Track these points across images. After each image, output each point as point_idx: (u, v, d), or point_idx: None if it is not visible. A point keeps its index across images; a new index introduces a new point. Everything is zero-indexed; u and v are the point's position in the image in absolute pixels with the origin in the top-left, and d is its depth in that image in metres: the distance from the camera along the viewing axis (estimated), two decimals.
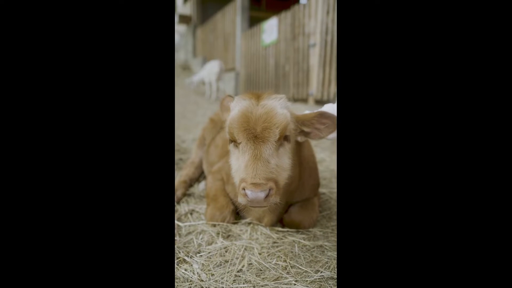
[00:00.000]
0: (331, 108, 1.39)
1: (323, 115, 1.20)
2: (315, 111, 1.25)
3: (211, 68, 6.82)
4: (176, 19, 11.99)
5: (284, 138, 1.11)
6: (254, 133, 1.07)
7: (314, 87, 4.79)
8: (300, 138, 1.25)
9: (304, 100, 5.13)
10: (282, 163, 1.09)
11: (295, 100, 5.40)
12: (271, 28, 6.07)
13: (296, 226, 1.47)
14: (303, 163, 1.43)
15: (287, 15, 5.51)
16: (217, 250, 1.30)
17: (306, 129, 1.22)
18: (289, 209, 1.50)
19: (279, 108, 1.13)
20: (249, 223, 1.52)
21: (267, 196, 0.98)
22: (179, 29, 12.58)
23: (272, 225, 1.50)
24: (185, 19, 11.86)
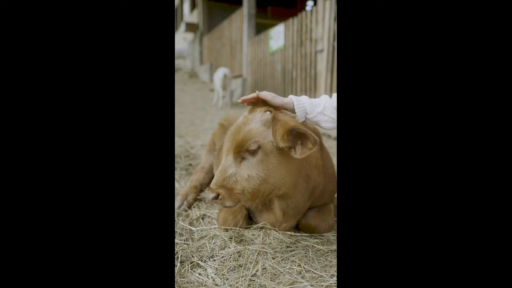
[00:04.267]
0: (326, 100, 1.31)
1: (292, 132, 1.13)
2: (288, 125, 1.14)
3: (216, 75, 6.87)
4: (183, 27, 12.15)
5: (247, 151, 1.17)
6: (226, 145, 1.23)
7: (322, 93, 4.79)
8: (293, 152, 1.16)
9: None
10: (242, 174, 1.17)
11: None
12: (278, 35, 6.11)
13: (312, 231, 1.46)
14: (324, 170, 1.43)
15: (294, 22, 5.54)
16: (230, 255, 1.29)
17: (284, 144, 1.13)
18: (305, 213, 1.49)
19: (253, 123, 1.19)
20: (261, 228, 1.51)
21: (216, 198, 1.16)
22: (186, 37, 12.74)
23: (290, 230, 1.50)
24: (192, 27, 12.01)
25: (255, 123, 1.20)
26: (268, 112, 1.22)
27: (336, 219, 1.68)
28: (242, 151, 1.18)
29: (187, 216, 1.69)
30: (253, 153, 1.17)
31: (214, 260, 1.26)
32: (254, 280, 1.13)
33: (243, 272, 1.17)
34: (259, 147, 1.17)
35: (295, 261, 1.25)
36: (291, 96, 1.33)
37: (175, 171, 2.41)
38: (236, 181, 1.17)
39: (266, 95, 1.27)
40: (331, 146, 3.48)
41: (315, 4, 4.98)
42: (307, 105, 1.28)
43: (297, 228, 1.52)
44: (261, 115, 1.21)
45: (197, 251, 1.33)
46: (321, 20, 4.73)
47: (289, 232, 1.48)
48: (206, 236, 1.46)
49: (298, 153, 1.14)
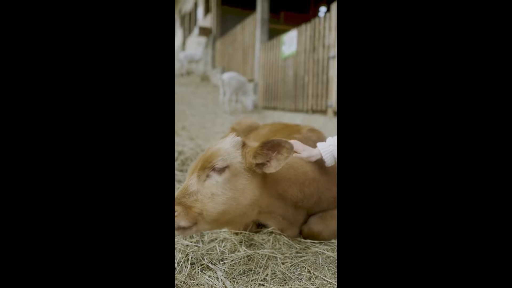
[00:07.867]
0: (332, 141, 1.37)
1: (266, 144, 1.15)
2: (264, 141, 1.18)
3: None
4: (196, 31, 12.31)
5: (213, 169, 1.15)
6: (191, 168, 1.21)
7: (333, 99, 4.77)
8: (263, 169, 1.19)
9: (323, 112, 5.11)
10: (205, 192, 1.13)
11: (313, 111, 5.39)
12: (290, 40, 6.12)
13: (316, 237, 1.45)
14: (321, 180, 1.44)
15: (307, 27, 5.55)
16: (240, 259, 1.29)
17: (257, 161, 1.17)
18: (308, 219, 1.49)
19: (222, 143, 1.21)
20: (271, 233, 1.51)
21: None
22: (200, 40, 12.90)
23: (295, 236, 1.50)
24: (205, 31, 12.14)
25: (225, 143, 1.22)
26: (239, 137, 1.25)
27: None
28: (207, 168, 1.15)
29: None
30: (220, 171, 1.15)
31: (224, 263, 1.27)
32: (263, 285, 1.14)
33: (252, 277, 1.18)
34: (226, 166, 1.16)
35: (305, 267, 1.25)
36: (318, 144, 1.38)
37: (186, 174, 2.44)
38: (197, 200, 1.12)
39: (297, 146, 1.32)
40: None
41: (328, 10, 4.99)
42: (334, 151, 1.34)
43: (302, 235, 1.51)
44: (231, 138, 1.24)
45: (207, 253, 1.34)
46: (335, 27, 4.73)
47: (298, 238, 1.48)
48: (216, 239, 1.47)
49: (274, 166, 1.15)
